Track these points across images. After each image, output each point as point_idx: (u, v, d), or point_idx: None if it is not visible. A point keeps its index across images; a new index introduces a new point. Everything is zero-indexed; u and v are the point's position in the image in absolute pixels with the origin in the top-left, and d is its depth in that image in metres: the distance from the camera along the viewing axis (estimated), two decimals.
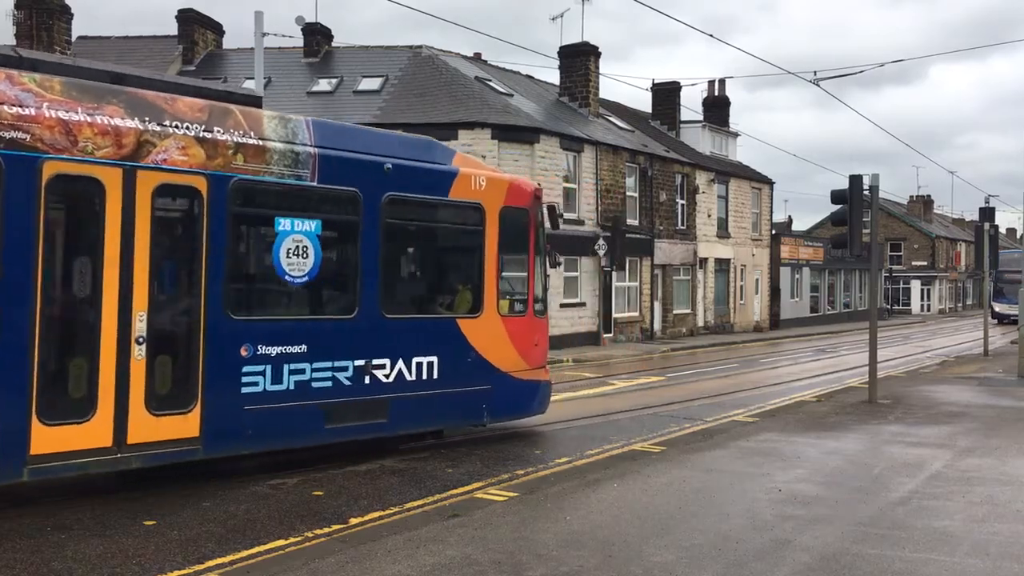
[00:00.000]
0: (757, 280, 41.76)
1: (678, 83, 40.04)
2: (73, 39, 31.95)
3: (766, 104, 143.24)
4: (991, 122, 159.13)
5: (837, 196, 15.59)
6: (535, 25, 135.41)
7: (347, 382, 9.89)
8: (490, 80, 30.30)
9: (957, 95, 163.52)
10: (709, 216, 37.08)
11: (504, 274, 11.78)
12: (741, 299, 39.91)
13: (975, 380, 19.75)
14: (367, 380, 10.08)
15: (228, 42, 33.57)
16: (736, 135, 42.98)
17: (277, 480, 9.39)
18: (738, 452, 10.97)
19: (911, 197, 77.04)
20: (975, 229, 26.29)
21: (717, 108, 42.79)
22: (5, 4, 66.15)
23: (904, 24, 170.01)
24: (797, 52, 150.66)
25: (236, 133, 9.03)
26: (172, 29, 31.81)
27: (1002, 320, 49.87)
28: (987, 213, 25.32)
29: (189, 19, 31.48)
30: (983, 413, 14.57)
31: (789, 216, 69.80)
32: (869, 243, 15.96)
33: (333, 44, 31.88)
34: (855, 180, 15.32)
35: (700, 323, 36.41)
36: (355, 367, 9.96)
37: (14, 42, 30.71)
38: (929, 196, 76.76)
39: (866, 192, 15.46)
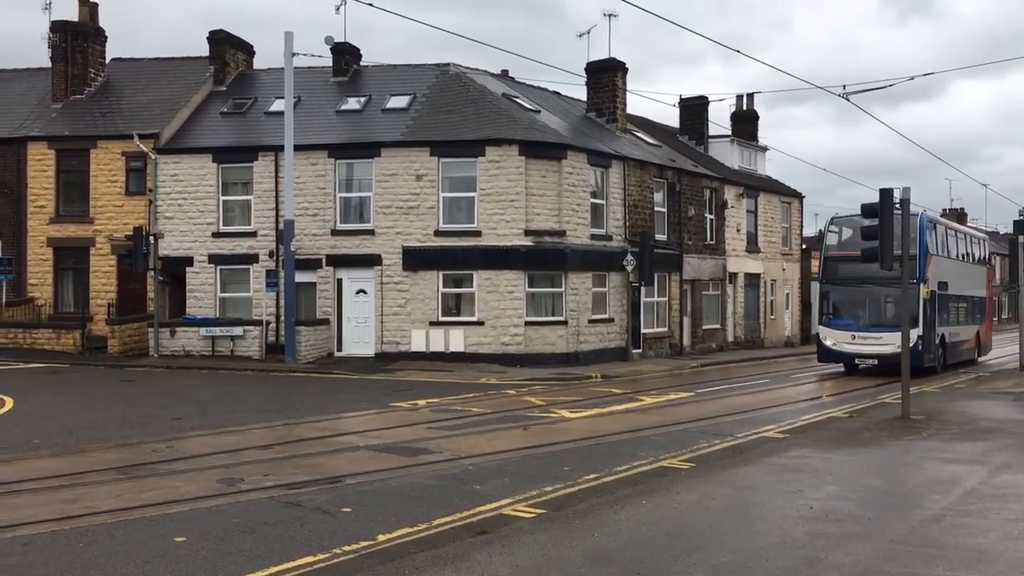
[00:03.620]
0: (788, 295, 41.43)
1: (706, 98, 39.86)
2: (107, 61, 32.54)
3: (787, 121, 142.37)
4: (1013, 135, 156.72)
5: (868, 210, 15.49)
6: (560, 45, 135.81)
7: None
8: (517, 97, 30.40)
9: (977, 110, 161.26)
10: (738, 231, 36.88)
11: None
12: (771, 314, 39.59)
13: (1011, 395, 19.46)
14: None
15: (258, 62, 33.93)
16: (765, 149, 42.74)
17: (306, 496, 9.44)
18: (769, 468, 10.88)
19: (944, 210, 75.87)
20: (1009, 243, 25.96)
21: (745, 122, 42.53)
22: (40, 27, 67.44)
23: (916, 41, 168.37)
24: (813, 69, 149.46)
25: None
26: (204, 50, 32.22)
27: (851, 366, 24.21)
28: (1021, 226, 25.03)
29: (220, 40, 31.90)
30: (1019, 429, 14.35)
31: (819, 230, 69.22)
32: (901, 256, 15.81)
33: (361, 63, 32.15)
34: (885, 193, 15.20)
35: (730, 338, 36.16)
36: None
37: (50, 64, 31.36)
38: (962, 209, 75.74)
39: (897, 205, 15.33)
